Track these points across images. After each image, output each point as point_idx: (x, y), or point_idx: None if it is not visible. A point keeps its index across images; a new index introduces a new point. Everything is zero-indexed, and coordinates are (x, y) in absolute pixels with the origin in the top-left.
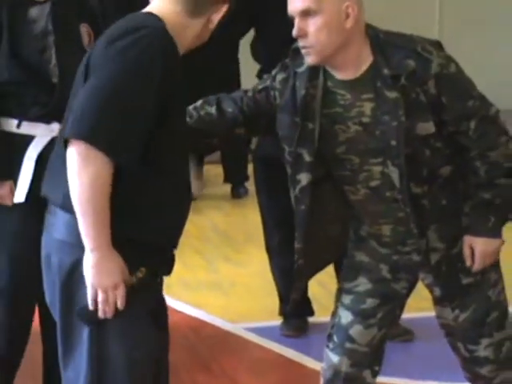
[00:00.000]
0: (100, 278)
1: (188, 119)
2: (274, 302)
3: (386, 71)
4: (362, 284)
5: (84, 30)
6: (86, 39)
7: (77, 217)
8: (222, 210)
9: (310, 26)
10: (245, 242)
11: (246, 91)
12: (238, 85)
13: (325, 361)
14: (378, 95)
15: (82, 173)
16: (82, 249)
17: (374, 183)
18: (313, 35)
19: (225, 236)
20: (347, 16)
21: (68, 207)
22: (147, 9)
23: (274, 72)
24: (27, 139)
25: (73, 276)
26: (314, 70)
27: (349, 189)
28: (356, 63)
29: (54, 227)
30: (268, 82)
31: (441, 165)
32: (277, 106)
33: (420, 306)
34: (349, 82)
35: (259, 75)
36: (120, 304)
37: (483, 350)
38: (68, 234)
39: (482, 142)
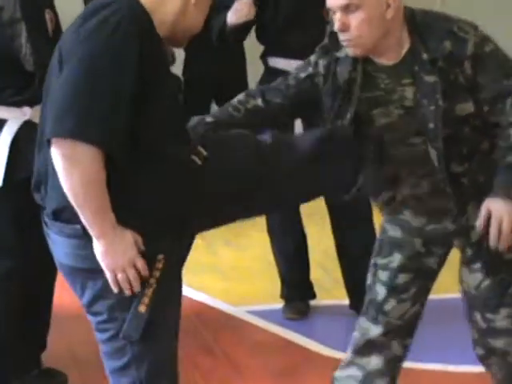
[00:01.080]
0: (114, 261)
1: (235, 113)
2: (276, 285)
3: (424, 56)
4: (396, 259)
5: (47, 16)
6: (50, 25)
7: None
8: None
9: (351, 20)
10: (246, 226)
11: (286, 80)
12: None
13: (356, 329)
14: (417, 79)
15: (72, 174)
16: None
17: (415, 148)
18: (355, 29)
19: None
20: (388, 6)
21: None
22: None
23: (313, 58)
24: None
25: None
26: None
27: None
28: (396, 48)
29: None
30: (311, 70)
31: (480, 141)
32: (321, 91)
33: None
34: (389, 67)
35: (263, 56)
36: (144, 273)
37: (501, 319)
38: None
39: None
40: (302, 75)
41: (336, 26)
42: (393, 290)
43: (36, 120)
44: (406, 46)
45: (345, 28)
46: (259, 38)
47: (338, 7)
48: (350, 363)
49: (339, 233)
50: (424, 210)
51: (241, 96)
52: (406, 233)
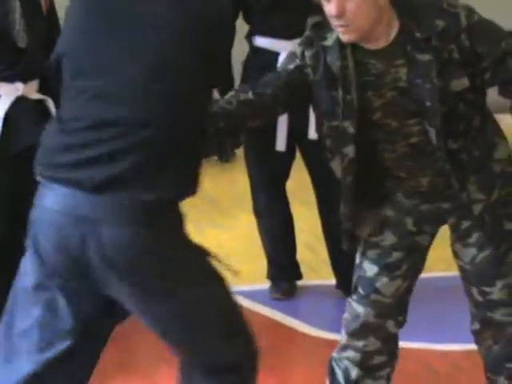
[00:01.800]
0: None
1: (228, 106)
2: (262, 265)
3: (417, 35)
4: (388, 238)
5: None
6: (44, 3)
7: None
8: (209, 174)
9: (348, 4)
10: (232, 207)
11: (274, 73)
12: None
13: (348, 312)
14: (410, 59)
15: None
16: None
17: (413, 140)
18: (351, 14)
19: (212, 200)
20: None
21: None
22: None
23: (298, 50)
24: None
25: None
26: (341, 42)
27: (386, 147)
28: (386, 32)
29: None
30: (298, 61)
31: (473, 116)
32: (312, 82)
33: None
34: (379, 51)
35: (248, 36)
36: None
37: (498, 291)
38: None
39: None
40: (291, 66)
41: (332, 11)
42: (385, 267)
43: (30, 95)
44: (396, 28)
45: (342, 13)
46: (245, 18)
47: None
48: (345, 346)
49: (325, 212)
50: (418, 193)
51: (231, 92)
52: (397, 212)
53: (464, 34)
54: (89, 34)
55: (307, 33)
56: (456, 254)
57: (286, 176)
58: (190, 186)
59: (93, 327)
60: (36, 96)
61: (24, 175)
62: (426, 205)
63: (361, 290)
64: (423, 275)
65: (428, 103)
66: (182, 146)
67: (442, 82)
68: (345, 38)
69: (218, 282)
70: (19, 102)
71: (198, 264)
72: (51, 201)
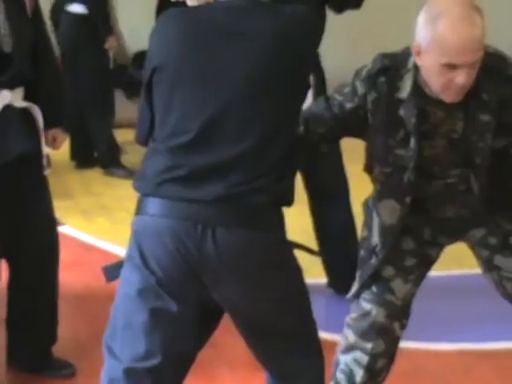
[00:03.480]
0: None
1: None
2: None
3: (484, 96)
4: (406, 243)
5: None
6: (29, 6)
7: None
8: None
9: (472, 72)
10: None
11: (330, 107)
12: None
13: (355, 311)
14: (470, 115)
15: None
16: None
17: (450, 180)
18: (472, 80)
19: None
20: None
21: None
22: None
23: (360, 89)
24: None
25: None
26: (414, 95)
27: (422, 183)
28: None
29: None
30: (357, 101)
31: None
32: (369, 126)
33: None
34: (443, 101)
35: None
36: None
37: None
38: None
39: None
40: (349, 106)
41: (461, 81)
42: (401, 269)
43: (16, 103)
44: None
45: (470, 81)
46: None
47: (468, 63)
48: (353, 347)
49: (316, 210)
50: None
51: None
52: (417, 220)
53: None
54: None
55: (372, 72)
56: (495, 267)
57: None
58: (290, 193)
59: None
60: (22, 104)
61: (11, 184)
62: (448, 224)
63: (375, 289)
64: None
65: (478, 160)
66: (283, 154)
67: (492, 142)
68: (456, 99)
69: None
70: (6, 111)
71: (298, 274)
72: (159, 210)
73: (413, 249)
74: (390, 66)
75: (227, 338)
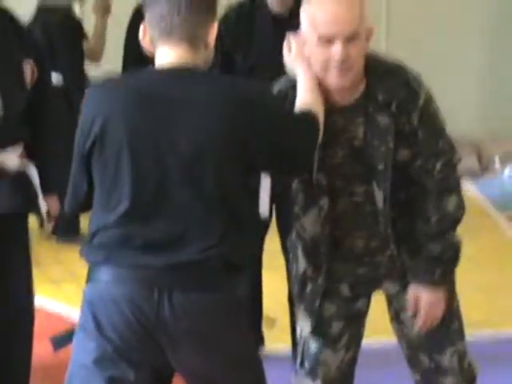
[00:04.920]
0: None
1: None
2: None
3: (380, 97)
4: (325, 308)
5: (28, 66)
6: (28, 76)
7: None
8: None
9: (352, 49)
10: None
11: None
12: None
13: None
14: (369, 120)
15: None
16: None
17: (355, 199)
18: (354, 58)
19: None
20: (367, 39)
21: None
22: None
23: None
24: None
25: None
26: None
27: (331, 201)
28: (355, 87)
29: None
30: None
31: (410, 187)
32: None
33: None
34: (342, 108)
35: None
36: None
37: (448, 359)
38: None
39: (442, 184)
40: None
41: (337, 55)
42: (328, 339)
43: (8, 162)
44: (363, 85)
45: (346, 57)
46: None
47: (343, 36)
48: None
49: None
50: (354, 256)
51: None
52: (332, 280)
53: (416, 113)
54: None
55: (282, 89)
56: (399, 322)
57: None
58: (244, 256)
59: None
60: (15, 162)
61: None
62: (361, 269)
63: (307, 364)
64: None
65: (381, 166)
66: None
67: (394, 149)
68: (340, 81)
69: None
70: None
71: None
72: (114, 277)
73: (335, 311)
74: (285, 91)
75: None
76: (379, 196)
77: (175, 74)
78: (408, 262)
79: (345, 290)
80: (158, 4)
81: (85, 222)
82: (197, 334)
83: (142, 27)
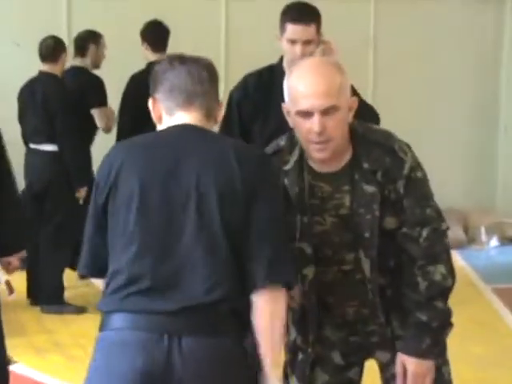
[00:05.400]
0: None
1: None
2: None
3: (365, 165)
4: (318, 376)
5: None
6: None
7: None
8: None
9: (329, 122)
10: None
11: None
12: None
13: None
14: (355, 188)
15: (278, 315)
16: None
17: (345, 267)
18: (332, 130)
19: None
20: (350, 110)
21: None
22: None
23: None
24: None
25: None
26: (299, 165)
27: (320, 270)
28: (341, 155)
29: None
30: None
31: (400, 255)
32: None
33: None
34: (329, 175)
35: None
36: None
37: None
38: None
39: (429, 252)
40: None
41: (315, 128)
42: None
43: None
44: (349, 154)
45: (324, 129)
46: None
47: (319, 109)
48: None
49: None
50: (345, 324)
51: None
52: (324, 348)
53: (402, 181)
54: None
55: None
56: None
57: None
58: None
59: None
60: None
61: None
62: (353, 337)
63: None
64: None
65: (367, 234)
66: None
67: (380, 217)
68: (321, 155)
69: None
70: None
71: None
72: (125, 323)
73: (328, 380)
74: (280, 149)
75: None
76: (366, 264)
77: (190, 129)
78: (398, 330)
79: (337, 357)
80: (175, 77)
81: (70, 291)
82: (205, 378)
83: (150, 100)
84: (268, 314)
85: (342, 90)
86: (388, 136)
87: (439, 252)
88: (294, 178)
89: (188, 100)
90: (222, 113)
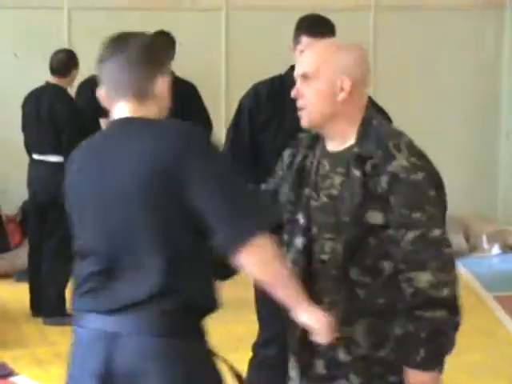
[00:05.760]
0: None
1: None
2: None
3: (360, 152)
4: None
5: None
6: None
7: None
8: None
9: (306, 89)
10: None
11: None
12: None
13: None
14: (347, 171)
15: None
16: None
17: (324, 256)
18: (306, 98)
19: None
20: (341, 89)
21: None
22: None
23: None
24: None
25: None
26: (314, 138)
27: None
28: (342, 137)
29: None
30: (278, 164)
31: (383, 258)
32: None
33: None
34: (331, 154)
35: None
36: None
37: None
38: None
39: (411, 258)
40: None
41: (292, 92)
42: None
43: None
44: (352, 140)
45: (298, 94)
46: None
47: (298, 75)
48: None
49: None
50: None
51: None
52: (307, 355)
53: (385, 176)
54: None
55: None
56: None
57: None
58: (200, 298)
59: None
60: None
61: None
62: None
63: None
64: None
65: (345, 218)
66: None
67: (363, 206)
68: (302, 122)
69: None
70: None
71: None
72: (76, 321)
73: None
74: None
75: None
76: (340, 250)
77: (119, 125)
78: (360, 337)
79: (320, 366)
80: (106, 65)
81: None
82: (148, 378)
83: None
84: (259, 270)
85: (328, 63)
86: (394, 134)
87: (426, 259)
88: (302, 148)
89: (117, 89)
90: (162, 88)
